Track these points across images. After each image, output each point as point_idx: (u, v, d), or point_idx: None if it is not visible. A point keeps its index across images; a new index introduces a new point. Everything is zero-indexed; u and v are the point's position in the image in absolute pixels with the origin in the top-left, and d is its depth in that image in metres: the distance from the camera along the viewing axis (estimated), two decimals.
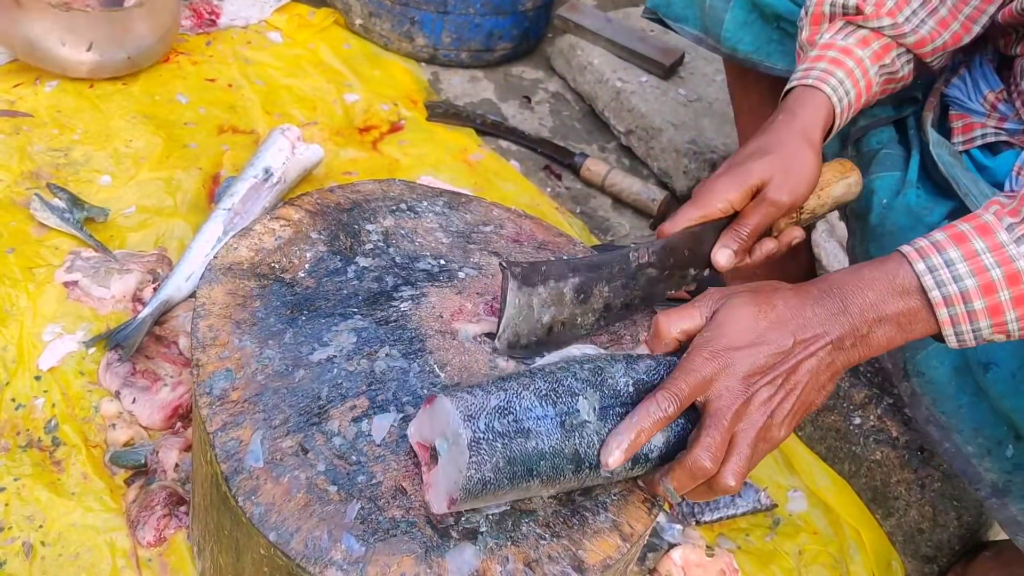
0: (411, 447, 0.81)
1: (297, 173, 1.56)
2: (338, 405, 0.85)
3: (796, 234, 1.00)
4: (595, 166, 1.89)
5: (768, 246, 0.98)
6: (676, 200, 1.88)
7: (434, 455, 0.76)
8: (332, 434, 0.82)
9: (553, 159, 1.94)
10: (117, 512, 1.11)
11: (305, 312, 0.93)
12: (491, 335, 0.93)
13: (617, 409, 0.77)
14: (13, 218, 1.41)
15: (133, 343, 1.23)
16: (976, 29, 1.06)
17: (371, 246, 1.03)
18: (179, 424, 1.21)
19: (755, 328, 0.77)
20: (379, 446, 0.82)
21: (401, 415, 0.84)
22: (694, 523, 1.27)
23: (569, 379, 0.76)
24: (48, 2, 1.58)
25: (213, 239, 1.38)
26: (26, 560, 1.04)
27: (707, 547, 1.22)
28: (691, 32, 1.33)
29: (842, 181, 1.03)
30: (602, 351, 0.83)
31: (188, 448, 1.16)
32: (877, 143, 1.16)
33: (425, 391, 0.87)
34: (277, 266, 0.98)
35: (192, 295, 1.32)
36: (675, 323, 0.81)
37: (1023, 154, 1.03)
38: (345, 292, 0.96)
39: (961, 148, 1.10)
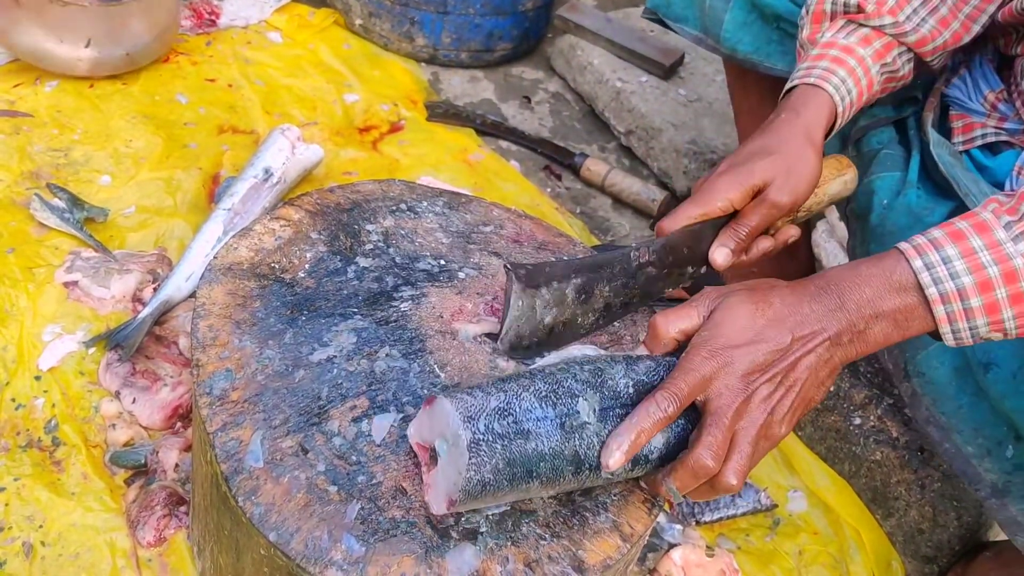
0: (411, 447, 0.80)
1: (297, 173, 1.56)
2: (338, 405, 0.84)
3: (792, 232, 1.00)
4: (595, 166, 1.89)
5: (764, 244, 0.98)
6: (676, 200, 1.88)
7: (434, 456, 0.76)
8: (332, 434, 0.82)
9: (553, 159, 1.94)
10: (117, 512, 1.10)
11: (305, 312, 0.93)
12: (491, 335, 0.93)
13: (617, 410, 0.76)
14: (13, 218, 1.41)
15: (133, 343, 1.23)
16: (976, 28, 1.06)
17: (371, 246, 1.03)
18: (179, 424, 1.21)
19: (753, 326, 0.77)
20: (379, 446, 0.82)
21: (401, 415, 0.84)
22: (694, 523, 1.27)
23: (569, 380, 0.76)
24: None
25: (213, 239, 1.38)
26: (26, 560, 1.04)
27: (707, 547, 1.22)
28: (691, 32, 1.33)
29: (839, 178, 1.04)
30: (602, 352, 0.83)
31: (188, 448, 1.16)
32: (877, 143, 1.16)
33: (425, 391, 0.87)
34: (277, 266, 0.97)
35: (192, 295, 1.32)
36: (673, 323, 0.81)
37: (1023, 154, 1.03)
38: (345, 292, 0.96)
39: (961, 148, 1.10)
